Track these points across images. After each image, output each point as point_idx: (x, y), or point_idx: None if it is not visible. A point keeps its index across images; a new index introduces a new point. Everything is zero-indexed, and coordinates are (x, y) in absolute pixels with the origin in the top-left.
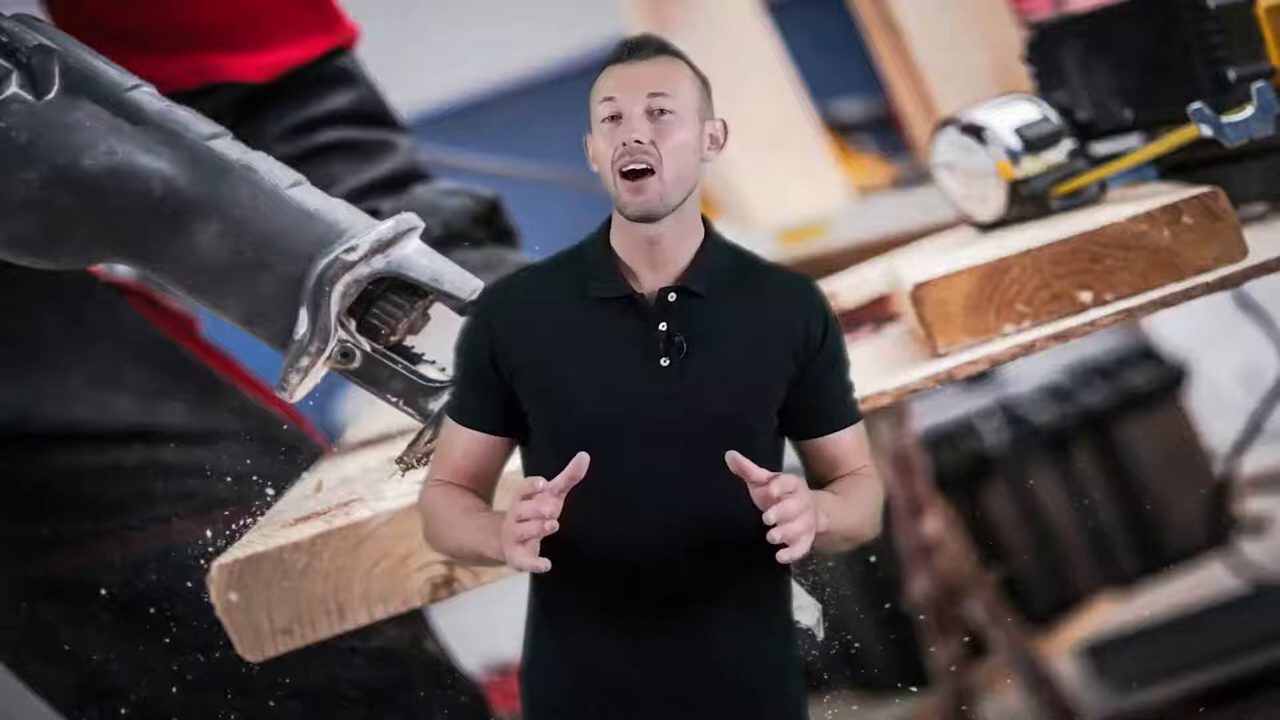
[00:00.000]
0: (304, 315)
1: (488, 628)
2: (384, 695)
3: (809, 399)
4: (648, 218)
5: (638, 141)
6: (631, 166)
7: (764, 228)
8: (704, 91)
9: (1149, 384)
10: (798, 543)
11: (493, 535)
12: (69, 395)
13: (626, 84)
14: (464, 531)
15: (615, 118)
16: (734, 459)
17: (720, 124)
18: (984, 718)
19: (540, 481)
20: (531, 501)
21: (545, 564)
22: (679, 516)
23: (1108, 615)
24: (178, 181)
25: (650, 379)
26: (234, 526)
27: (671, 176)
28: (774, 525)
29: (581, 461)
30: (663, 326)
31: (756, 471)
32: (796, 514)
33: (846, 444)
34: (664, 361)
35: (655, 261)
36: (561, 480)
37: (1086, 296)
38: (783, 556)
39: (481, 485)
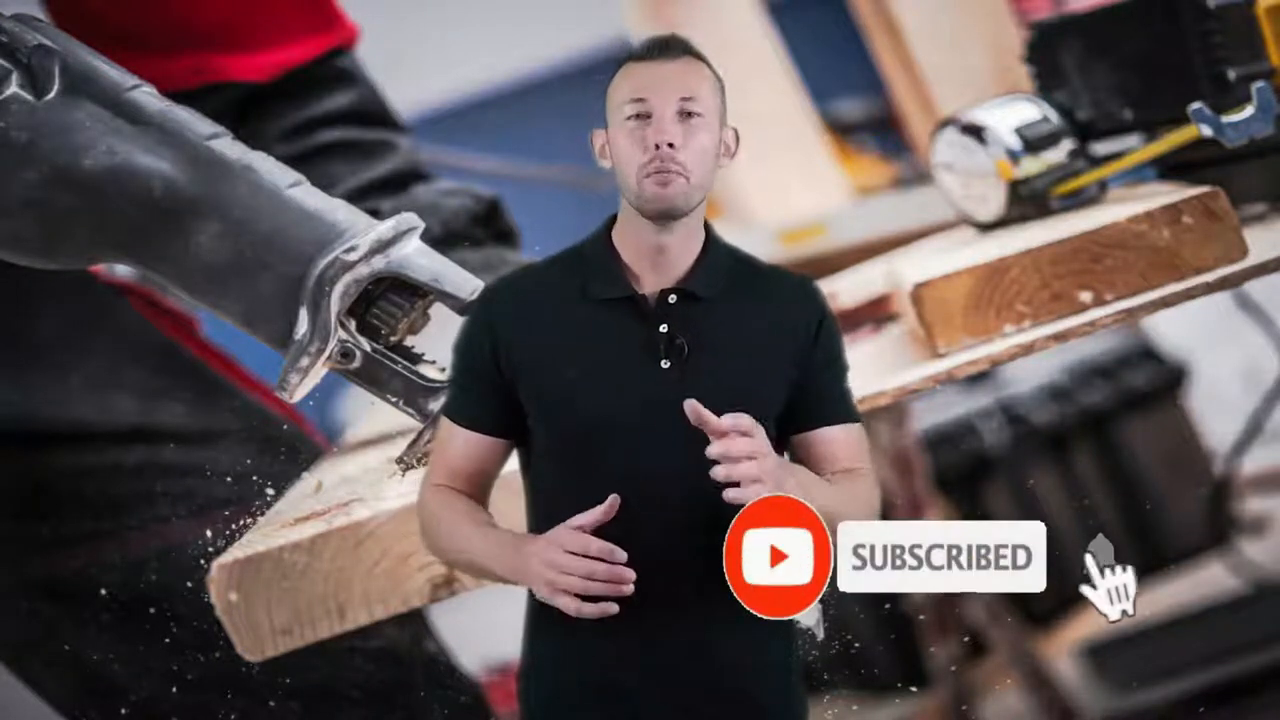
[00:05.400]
0: (304, 315)
1: (488, 628)
2: (384, 695)
3: (802, 393)
4: (668, 215)
5: (670, 145)
6: (664, 170)
7: (764, 228)
8: (723, 96)
9: (1149, 384)
10: (747, 486)
11: (507, 554)
12: (69, 395)
13: (657, 83)
14: (468, 541)
15: (643, 116)
16: (693, 408)
17: (732, 132)
18: (984, 718)
19: (589, 542)
20: (584, 562)
21: (598, 610)
22: (678, 518)
23: None
24: (178, 181)
25: (651, 381)
26: (234, 526)
27: (697, 180)
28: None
29: (613, 505)
30: (664, 328)
31: (714, 420)
32: (743, 454)
33: (838, 442)
34: (664, 363)
35: (658, 264)
36: (590, 519)
37: (1086, 296)
38: (728, 495)
39: (479, 486)
